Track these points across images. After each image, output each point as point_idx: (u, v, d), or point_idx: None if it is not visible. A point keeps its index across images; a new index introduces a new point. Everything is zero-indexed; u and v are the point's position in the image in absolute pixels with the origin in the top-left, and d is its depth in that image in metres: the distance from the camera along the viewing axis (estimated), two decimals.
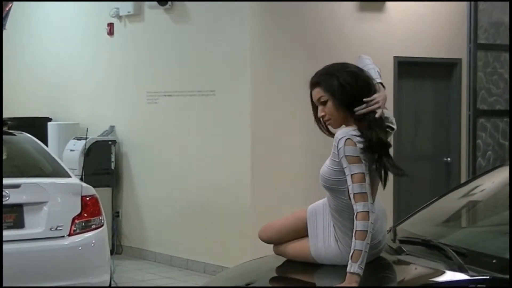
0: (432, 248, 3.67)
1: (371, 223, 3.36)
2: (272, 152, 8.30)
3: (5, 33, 8.79)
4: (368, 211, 3.36)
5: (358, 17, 8.75)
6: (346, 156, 3.44)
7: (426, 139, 9.56)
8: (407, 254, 3.70)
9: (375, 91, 3.59)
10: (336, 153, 3.49)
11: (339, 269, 3.47)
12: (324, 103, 3.60)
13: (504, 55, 9.56)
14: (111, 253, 7.41)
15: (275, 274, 3.83)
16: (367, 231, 3.33)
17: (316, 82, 3.62)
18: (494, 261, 3.43)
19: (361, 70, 3.63)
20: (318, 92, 3.61)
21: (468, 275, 3.32)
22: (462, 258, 3.44)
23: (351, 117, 3.57)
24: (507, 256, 3.39)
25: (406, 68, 9.13)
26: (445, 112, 9.56)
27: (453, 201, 4.48)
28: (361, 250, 3.31)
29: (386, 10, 8.93)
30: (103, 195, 7.57)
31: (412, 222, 4.26)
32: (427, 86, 9.50)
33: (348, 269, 3.31)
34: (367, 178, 3.43)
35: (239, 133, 8.30)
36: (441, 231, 4.20)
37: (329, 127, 3.70)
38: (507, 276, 3.24)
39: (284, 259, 3.85)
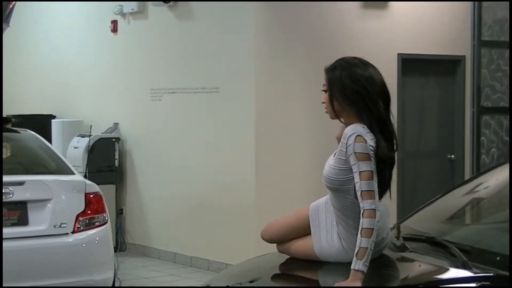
0: (436, 245, 3.66)
1: (377, 221, 3.36)
2: (276, 149, 8.29)
3: (9, 30, 8.80)
4: (375, 209, 3.36)
5: (362, 14, 8.74)
6: (355, 153, 3.42)
7: (430, 136, 9.55)
8: (410, 251, 3.70)
9: (375, 101, 3.54)
10: (344, 150, 3.47)
11: (343, 266, 3.47)
12: (325, 92, 3.66)
13: (508, 52, 9.53)
14: (115, 251, 7.41)
15: (278, 271, 3.82)
16: (373, 229, 3.33)
17: (325, 70, 3.67)
18: (498, 258, 3.42)
19: (368, 74, 3.57)
20: (324, 80, 3.66)
21: (472, 272, 3.30)
22: (466, 255, 3.43)
23: (353, 115, 3.56)
24: None
25: (410, 65, 9.11)
26: (449, 109, 9.55)
27: (456, 198, 4.47)
28: (367, 248, 3.30)
29: (389, 7, 8.92)
30: (107, 192, 7.59)
31: (415, 219, 4.24)
32: (431, 83, 9.48)
33: (352, 266, 3.31)
34: (375, 176, 3.42)
35: (243, 130, 8.29)
36: (445, 228, 4.18)
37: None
38: None
39: (287, 256, 3.84)
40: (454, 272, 3.38)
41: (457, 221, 4.44)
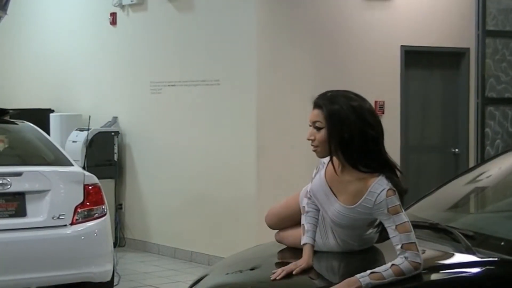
0: (440, 232, 3.62)
1: (416, 273, 3.17)
2: (277, 142, 8.23)
3: (7, 23, 8.75)
4: (420, 263, 3.16)
5: (365, 5, 8.66)
6: (388, 208, 3.23)
7: (434, 129, 9.48)
8: None
9: (380, 133, 3.33)
10: (371, 206, 3.27)
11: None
12: (318, 129, 3.37)
13: None
14: (114, 246, 7.35)
15: (279, 260, 3.75)
16: (405, 275, 3.14)
17: (319, 105, 3.38)
18: (502, 243, 3.39)
19: (364, 108, 3.33)
20: (317, 115, 3.36)
21: (476, 257, 3.27)
22: (469, 240, 3.39)
23: (341, 155, 3.34)
24: None
25: (413, 57, 9.04)
26: (453, 101, 9.48)
27: (460, 186, 4.42)
28: (385, 279, 3.12)
29: None
30: (106, 187, 7.50)
31: (419, 207, 4.20)
32: (434, 76, 9.42)
33: (357, 275, 3.13)
34: (411, 226, 3.23)
35: (244, 124, 8.23)
36: (448, 216, 4.15)
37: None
38: None
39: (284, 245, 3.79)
40: (458, 257, 3.34)
41: (460, 209, 4.42)
